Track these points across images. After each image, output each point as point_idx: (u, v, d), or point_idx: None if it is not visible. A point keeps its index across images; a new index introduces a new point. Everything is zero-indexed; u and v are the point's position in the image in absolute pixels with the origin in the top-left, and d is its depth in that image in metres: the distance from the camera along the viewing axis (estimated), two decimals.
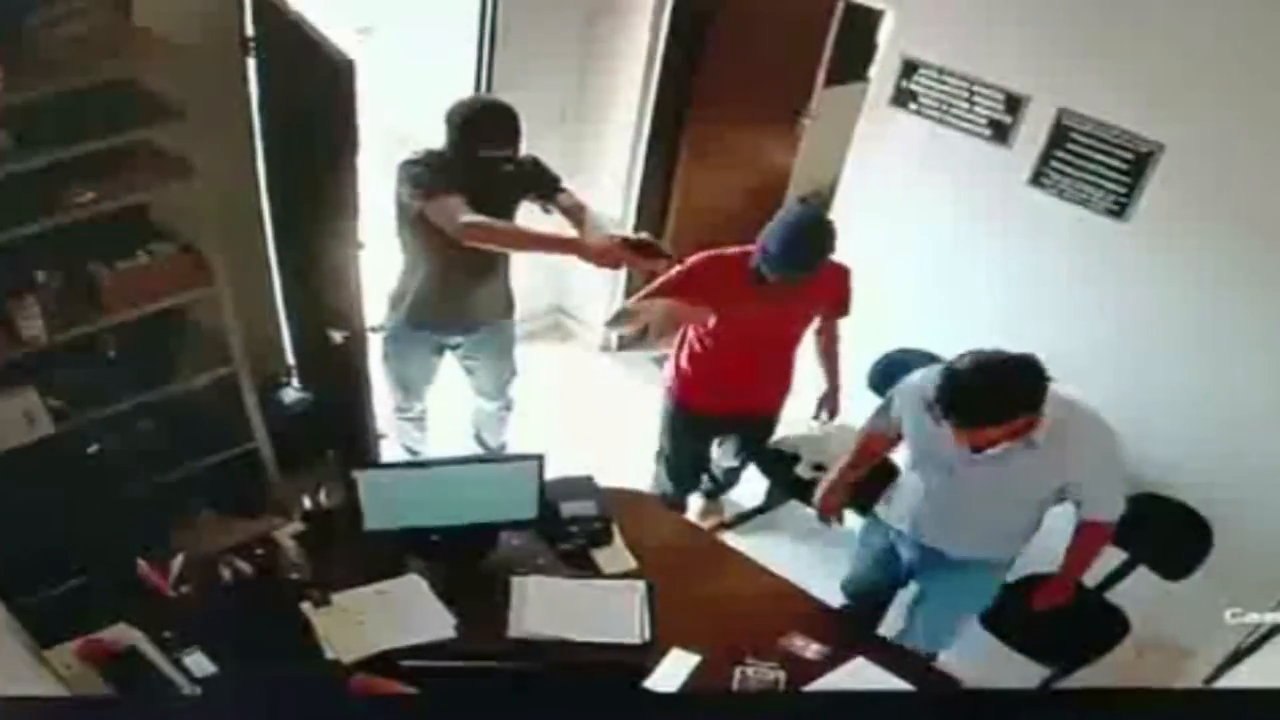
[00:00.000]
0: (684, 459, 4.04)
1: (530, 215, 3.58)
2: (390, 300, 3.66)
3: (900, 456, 3.29)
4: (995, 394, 2.64)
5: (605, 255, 3.16)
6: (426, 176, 3.25)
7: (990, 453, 2.77)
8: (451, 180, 3.22)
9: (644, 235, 3.31)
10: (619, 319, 3.63)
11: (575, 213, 3.44)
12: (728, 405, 3.71)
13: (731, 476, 4.33)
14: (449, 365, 3.97)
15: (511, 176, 3.37)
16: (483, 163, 3.25)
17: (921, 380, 2.93)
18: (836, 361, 3.80)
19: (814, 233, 3.27)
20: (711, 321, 3.44)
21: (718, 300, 3.36)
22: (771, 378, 3.73)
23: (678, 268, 3.42)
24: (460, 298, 3.59)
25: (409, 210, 3.33)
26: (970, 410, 2.66)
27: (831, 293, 3.51)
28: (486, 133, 3.25)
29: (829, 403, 3.88)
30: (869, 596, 3.41)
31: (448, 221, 3.19)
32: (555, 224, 3.51)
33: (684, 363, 3.69)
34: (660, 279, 3.42)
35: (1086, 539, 3.01)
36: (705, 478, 4.27)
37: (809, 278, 3.28)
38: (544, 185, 3.48)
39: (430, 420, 4.17)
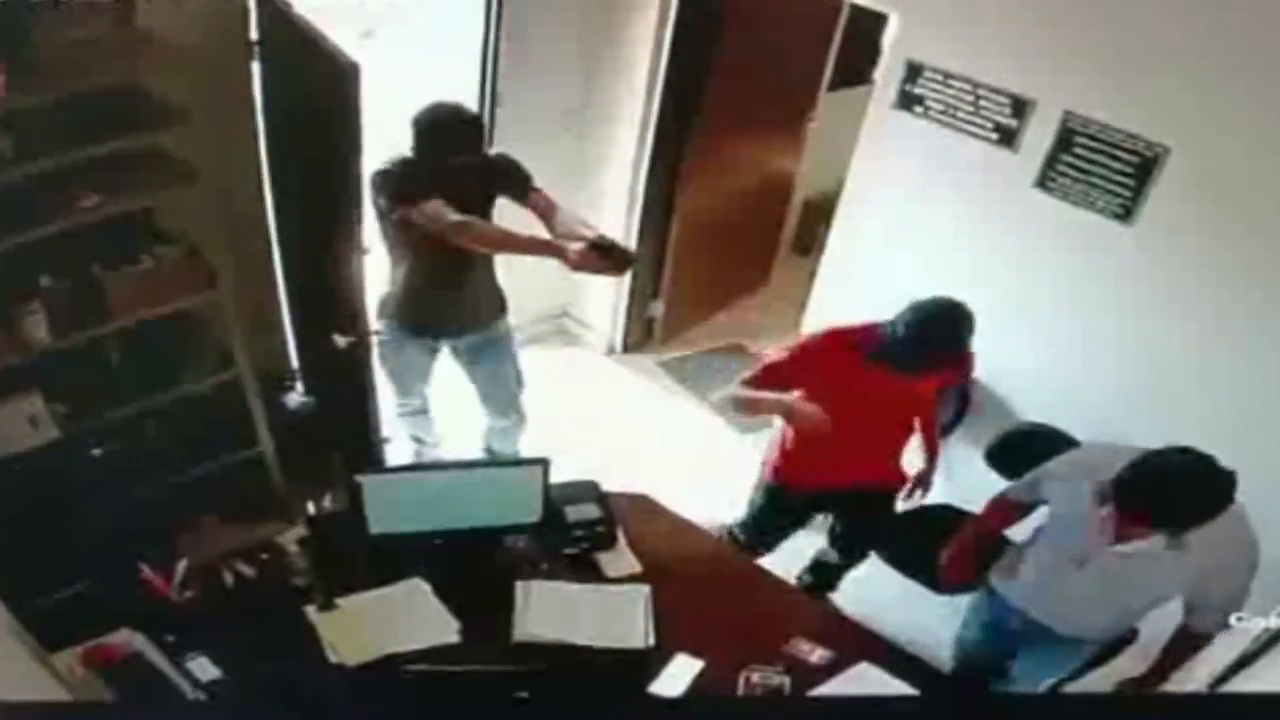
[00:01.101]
0: (767, 534, 3.76)
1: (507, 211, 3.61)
2: (379, 305, 3.69)
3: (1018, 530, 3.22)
4: (1201, 495, 2.48)
5: (579, 259, 3.18)
6: (404, 183, 3.30)
7: (1137, 544, 2.64)
8: (425, 184, 3.28)
9: (606, 238, 3.29)
10: (735, 407, 3.42)
11: (547, 213, 3.47)
12: (823, 480, 3.49)
13: (835, 574, 3.94)
14: (453, 369, 3.97)
15: (483, 177, 3.43)
16: (452, 168, 3.31)
17: (1091, 458, 2.82)
18: (935, 437, 3.65)
19: (950, 330, 3.06)
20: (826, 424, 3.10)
21: (830, 382, 3.17)
22: (880, 456, 3.51)
23: (791, 346, 3.29)
24: (445, 299, 3.63)
25: (388, 217, 3.37)
26: (1170, 506, 2.52)
27: (953, 374, 3.40)
28: (450, 141, 3.31)
29: (923, 480, 3.68)
30: (983, 666, 3.26)
31: (435, 223, 3.24)
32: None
33: (787, 436, 3.48)
34: (773, 358, 3.29)
35: (1180, 646, 2.85)
36: (806, 574, 3.97)
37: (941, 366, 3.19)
38: (515, 185, 3.52)
39: (441, 428, 4.18)
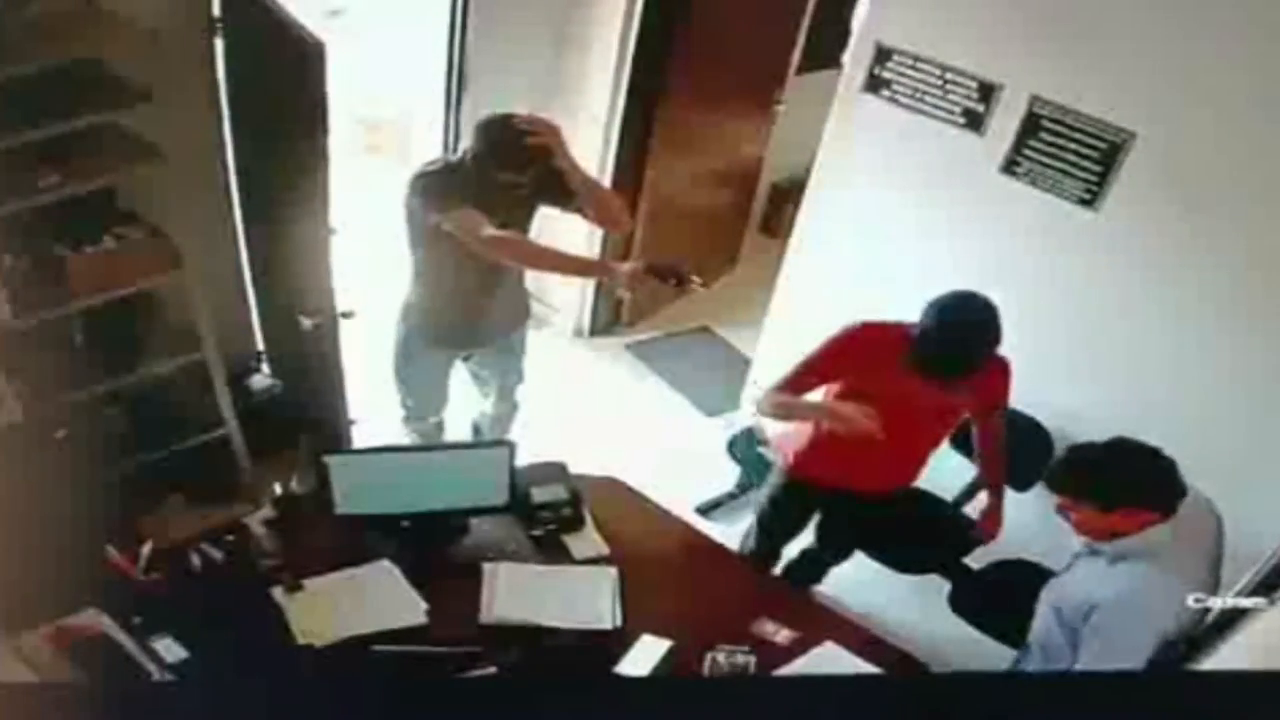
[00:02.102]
0: (783, 525, 3.64)
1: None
2: (401, 312, 3.58)
3: None
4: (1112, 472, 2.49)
5: (633, 280, 3.07)
6: (443, 189, 3.15)
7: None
8: (466, 192, 3.13)
9: (671, 262, 3.13)
10: (768, 411, 3.20)
11: (588, 191, 3.29)
12: (841, 480, 3.33)
13: (822, 570, 3.86)
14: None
15: (529, 188, 3.25)
16: (499, 179, 3.16)
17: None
18: (1001, 467, 3.42)
19: (975, 333, 2.87)
20: (875, 431, 2.85)
21: (868, 379, 3.01)
22: (898, 464, 3.32)
23: (827, 340, 3.06)
24: (474, 311, 3.50)
25: (422, 222, 3.22)
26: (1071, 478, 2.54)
27: (990, 387, 3.13)
28: (509, 159, 3.13)
29: (990, 519, 3.46)
30: None
31: (470, 235, 3.10)
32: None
33: (808, 430, 3.30)
34: (808, 356, 3.08)
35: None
36: (792, 568, 3.86)
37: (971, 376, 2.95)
38: (560, 195, 3.33)
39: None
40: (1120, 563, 2.52)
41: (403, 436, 3.95)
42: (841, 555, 3.75)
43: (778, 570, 3.76)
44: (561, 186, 3.28)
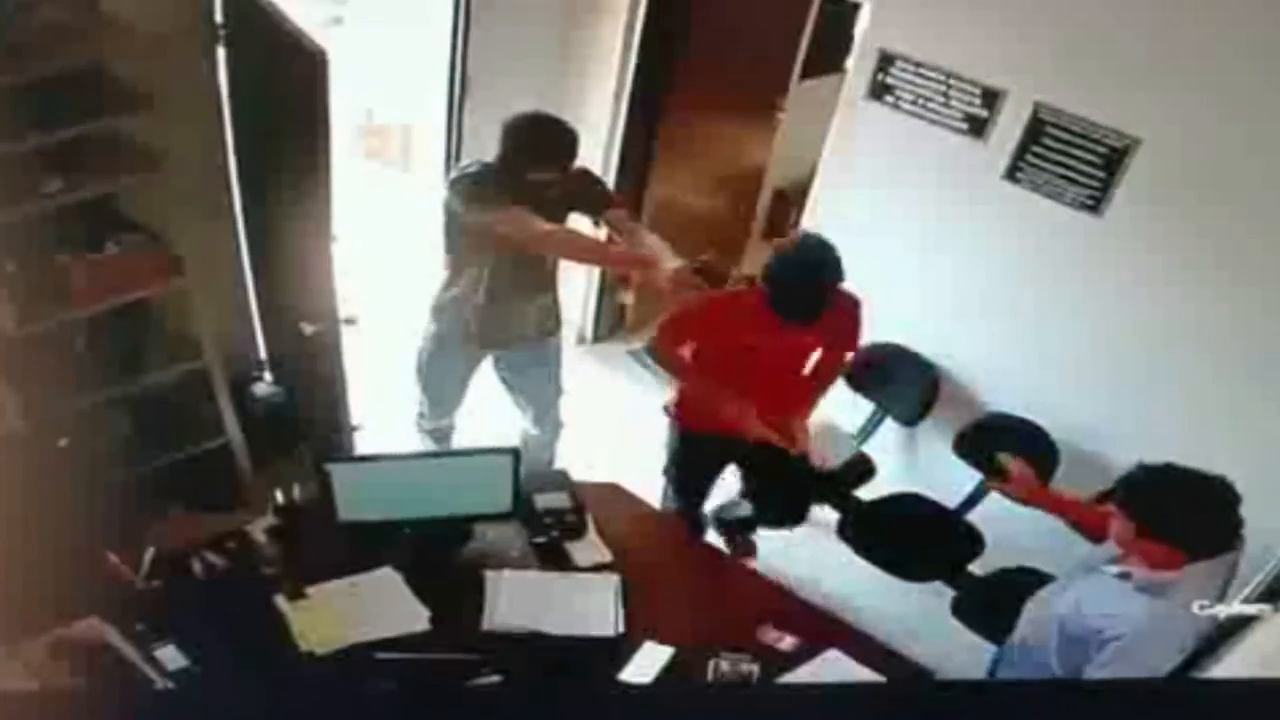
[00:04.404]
0: (690, 479, 3.79)
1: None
2: (432, 311, 3.61)
3: None
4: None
5: (677, 279, 3.10)
6: (486, 189, 3.20)
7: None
8: (504, 192, 3.18)
9: (707, 259, 3.17)
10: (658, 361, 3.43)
11: (625, 232, 3.37)
12: (723, 429, 3.40)
13: (745, 526, 4.08)
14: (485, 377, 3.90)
15: (563, 191, 3.30)
16: (531, 181, 3.21)
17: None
18: (817, 397, 3.54)
19: (818, 270, 3.01)
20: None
21: (724, 331, 3.21)
22: (777, 406, 3.38)
23: (683, 309, 3.27)
24: (508, 312, 3.54)
25: (461, 222, 3.27)
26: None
27: (843, 325, 3.29)
28: (538, 154, 3.20)
29: (790, 439, 3.44)
30: None
31: (523, 232, 3.15)
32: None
33: (689, 387, 3.49)
34: (677, 311, 3.28)
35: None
36: (718, 527, 4.09)
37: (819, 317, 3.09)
38: (593, 201, 3.41)
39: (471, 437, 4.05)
40: (1144, 594, 2.44)
41: (413, 439, 3.97)
42: (761, 512, 3.92)
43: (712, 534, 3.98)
44: (594, 195, 3.37)
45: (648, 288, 3.27)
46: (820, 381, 3.51)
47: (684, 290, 3.13)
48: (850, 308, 3.26)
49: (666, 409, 3.61)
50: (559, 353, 3.88)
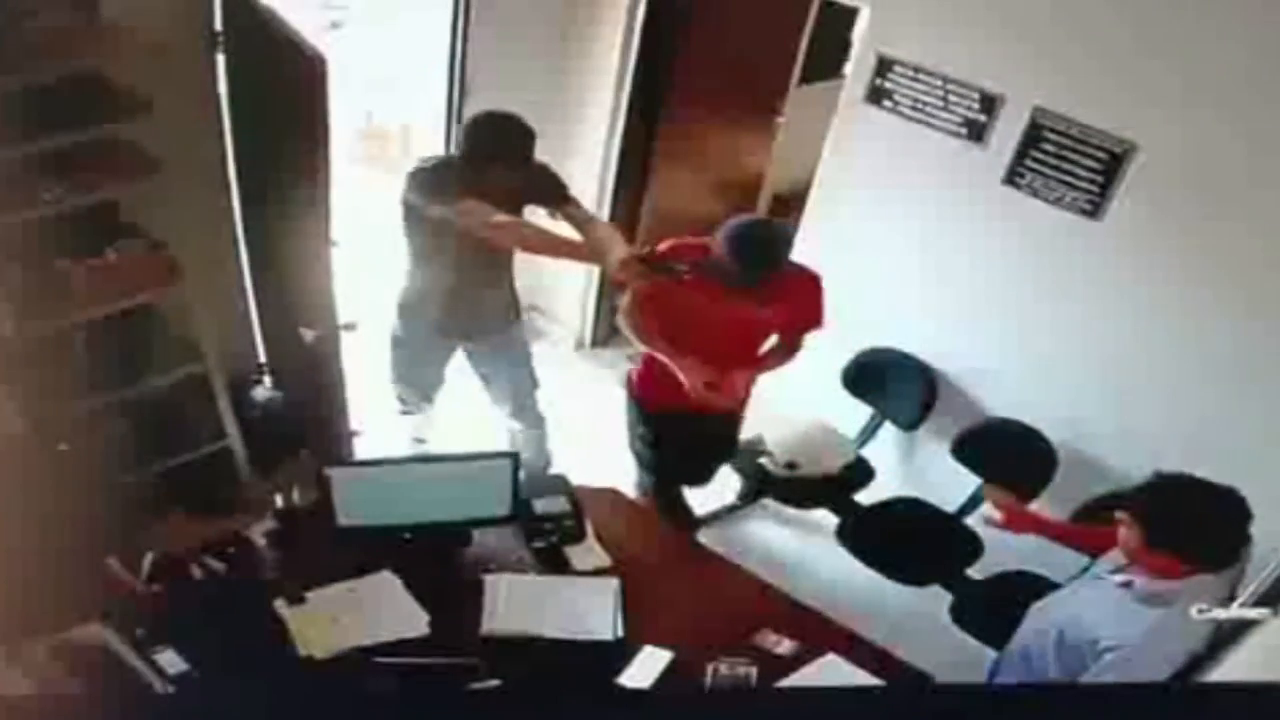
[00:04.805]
0: (658, 457, 3.80)
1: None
2: (399, 304, 3.67)
3: None
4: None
5: (625, 269, 3.14)
6: (442, 182, 3.26)
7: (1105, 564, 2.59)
8: (463, 186, 3.24)
9: (655, 253, 3.21)
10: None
11: (582, 224, 3.44)
12: (683, 403, 3.39)
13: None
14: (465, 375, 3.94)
15: (519, 185, 3.38)
16: (490, 175, 3.27)
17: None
18: (769, 367, 3.48)
19: (762, 243, 3.13)
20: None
21: (678, 290, 3.19)
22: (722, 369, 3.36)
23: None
24: (466, 301, 3.60)
25: (419, 214, 3.33)
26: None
27: (799, 303, 3.32)
28: (496, 150, 3.27)
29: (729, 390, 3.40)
30: None
31: (476, 223, 3.21)
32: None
33: (644, 360, 3.56)
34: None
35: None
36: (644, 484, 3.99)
37: (766, 282, 3.15)
38: (551, 195, 3.49)
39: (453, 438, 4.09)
40: (1145, 605, 2.43)
41: (403, 435, 3.99)
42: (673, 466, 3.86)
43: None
44: (549, 189, 3.45)
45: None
46: (782, 349, 3.49)
47: (633, 279, 3.18)
48: (807, 283, 3.32)
49: (629, 379, 3.68)
50: (525, 344, 3.95)
